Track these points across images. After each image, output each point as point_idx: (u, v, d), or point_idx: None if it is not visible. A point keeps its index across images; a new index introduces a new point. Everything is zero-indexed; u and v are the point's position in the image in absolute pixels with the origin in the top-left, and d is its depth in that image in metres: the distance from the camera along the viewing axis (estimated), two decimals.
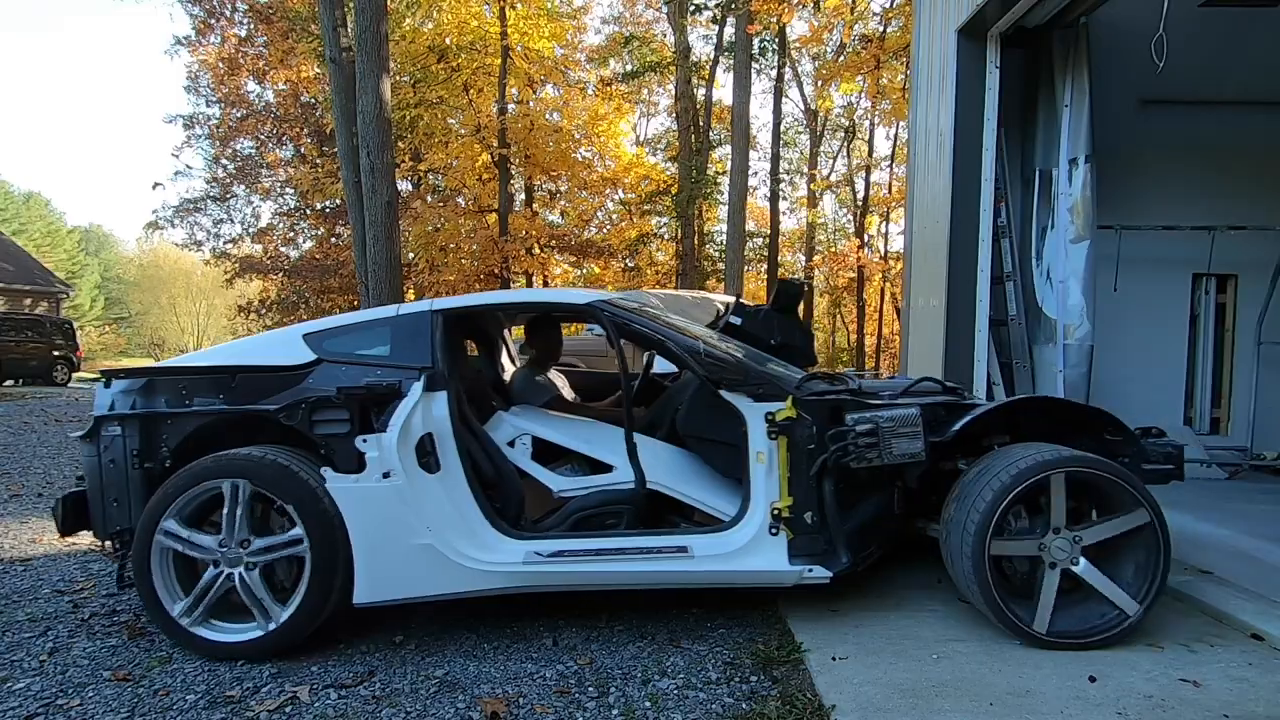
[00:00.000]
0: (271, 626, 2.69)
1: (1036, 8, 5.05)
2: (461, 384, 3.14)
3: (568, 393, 4.20)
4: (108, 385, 2.93)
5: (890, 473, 3.01)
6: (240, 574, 2.72)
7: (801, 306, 4.41)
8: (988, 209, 5.56)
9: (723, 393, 2.87)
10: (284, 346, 2.98)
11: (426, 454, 2.78)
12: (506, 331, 4.56)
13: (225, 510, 2.72)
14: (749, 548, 2.81)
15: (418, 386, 2.82)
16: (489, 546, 2.81)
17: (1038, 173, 5.65)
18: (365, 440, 2.74)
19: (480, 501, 2.85)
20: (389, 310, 3.10)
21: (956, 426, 2.87)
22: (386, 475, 2.72)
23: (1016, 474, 2.65)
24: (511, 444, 3.16)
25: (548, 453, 3.21)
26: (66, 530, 2.98)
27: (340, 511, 2.71)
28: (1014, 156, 5.76)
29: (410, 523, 2.73)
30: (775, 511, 2.80)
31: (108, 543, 2.95)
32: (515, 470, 3.10)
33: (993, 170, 5.54)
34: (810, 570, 2.80)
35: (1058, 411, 3.18)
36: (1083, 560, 2.68)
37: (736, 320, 4.03)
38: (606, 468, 3.09)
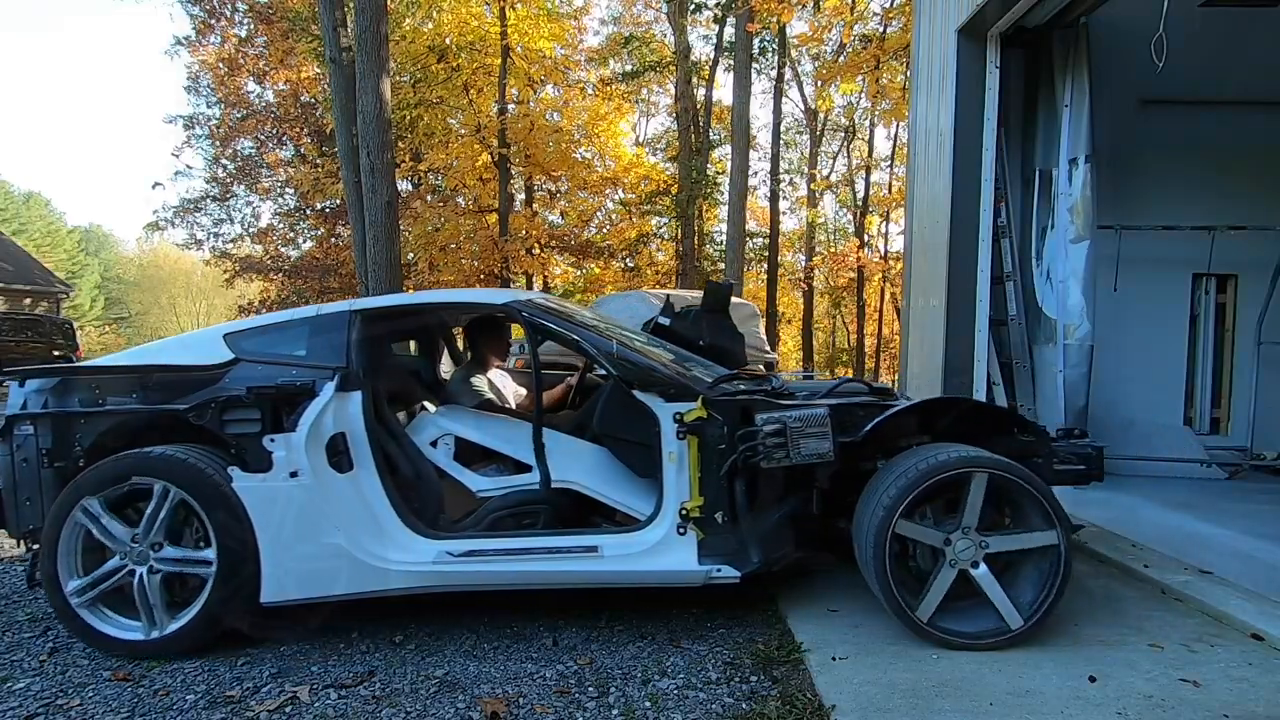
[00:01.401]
0: (212, 569, 2.71)
1: (1036, 8, 5.05)
2: (389, 384, 3.17)
3: (512, 392, 4.21)
4: (22, 384, 2.95)
5: (807, 473, 3.01)
6: (152, 560, 2.74)
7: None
8: (988, 209, 5.56)
9: (636, 392, 2.89)
10: (204, 346, 3.02)
11: (338, 453, 2.80)
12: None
13: (97, 532, 2.75)
14: (658, 547, 2.83)
15: (330, 386, 2.84)
16: (401, 546, 2.83)
17: (1037, 173, 5.64)
18: (273, 440, 2.76)
19: (394, 501, 2.86)
20: (309, 310, 3.14)
21: (867, 427, 2.89)
22: (294, 474, 2.74)
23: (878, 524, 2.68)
24: (434, 444, 3.18)
25: (478, 454, 3.24)
26: None
27: (248, 511, 2.72)
28: (1013, 156, 5.74)
29: (318, 522, 2.74)
30: (684, 511, 2.82)
31: (21, 542, 2.98)
32: (435, 470, 3.12)
33: (993, 170, 5.54)
34: (719, 570, 2.81)
35: (971, 411, 3.22)
36: (989, 539, 2.71)
37: (665, 320, 4.03)
38: (529, 468, 3.11)
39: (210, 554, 2.72)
